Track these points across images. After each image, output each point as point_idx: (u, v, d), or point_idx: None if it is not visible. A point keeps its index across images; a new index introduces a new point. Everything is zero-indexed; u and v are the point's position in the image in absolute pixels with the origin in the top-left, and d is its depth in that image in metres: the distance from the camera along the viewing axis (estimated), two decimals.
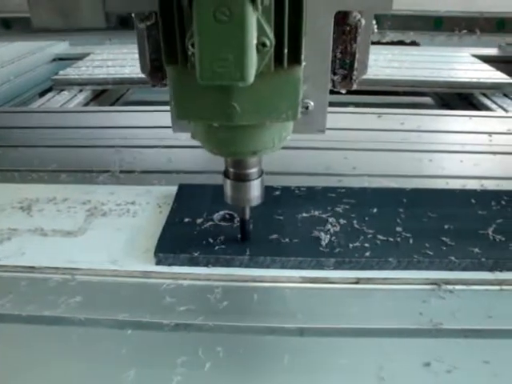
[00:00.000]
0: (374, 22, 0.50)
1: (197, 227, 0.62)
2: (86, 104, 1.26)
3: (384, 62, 1.50)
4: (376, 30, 0.51)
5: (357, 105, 1.14)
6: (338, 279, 0.57)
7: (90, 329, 0.51)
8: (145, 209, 0.69)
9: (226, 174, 0.54)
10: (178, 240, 0.59)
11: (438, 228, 0.62)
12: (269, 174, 0.74)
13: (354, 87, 0.52)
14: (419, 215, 0.64)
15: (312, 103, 0.48)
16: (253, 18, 0.35)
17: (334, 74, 0.51)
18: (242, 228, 0.59)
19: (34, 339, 0.50)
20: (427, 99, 1.63)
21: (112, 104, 1.35)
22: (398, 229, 0.61)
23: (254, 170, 0.53)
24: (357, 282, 0.57)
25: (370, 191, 0.70)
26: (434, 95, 1.58)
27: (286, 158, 0.85)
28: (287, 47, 0.38)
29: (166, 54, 0.39)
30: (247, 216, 0.58)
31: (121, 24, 0.73)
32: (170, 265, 0.58)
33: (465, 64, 1.54)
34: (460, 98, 1.38)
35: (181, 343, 0.49)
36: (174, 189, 0.71)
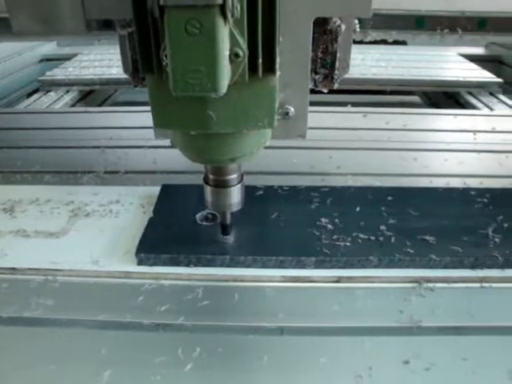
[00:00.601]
0: (356, 21, 0.50)
1: (179, 227, 0.62)
2: (73, 105, 1.26)
3: (371, 62, 1.50)
4: (358, 30, 0.51)
5: (343, 104, 1.14)
6: (319, 278, 0.57)
7: (70, 329, 0.51)
8: (128, 209, 0.69)
9: (205, 181, 0.54)
10: (160, 240, 0.59)
11: (420, 226, 0.62)
12: (252, 174, 0.75)
13: (336, 86, 0.52)
14: (402, 214, 0.65)
15: (292, 109, 0.49)
16: (224, 30, 0.35)
17: (316, 73, 0.51)
18: (224, 232, 0.60)
19: (14, 341, 0.50)
20: (415, 98, 1.64)
21: (99, 105, 1.35)
22: (381, 227, 0.62)
23: (233, 176, 0.53)
24: (338, 281, 0.57)
25: (353, 190, 0.71)
26: (422, 94, 1.59)
27: (270, 158, 0.86)
28: (261, 57, 0.39)
29: (142, 63, 0.39)
30: (228, 221, 0.58)
31: (104, 25, 0.73)
32: (151, 265, 0.58)
33: (452, 63, 1.55)
34: (447, 96, 1.39)
35: (160, 343, 0.49)
36: (157, 189, 0.71)
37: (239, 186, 0.54)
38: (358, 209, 0.66)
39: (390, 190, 0.71)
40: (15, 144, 0.91)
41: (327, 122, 1.02)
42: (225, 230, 0.60)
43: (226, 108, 0.41)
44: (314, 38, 0.47)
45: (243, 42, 0.37)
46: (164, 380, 0.45)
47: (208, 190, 0.54)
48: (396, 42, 2.00)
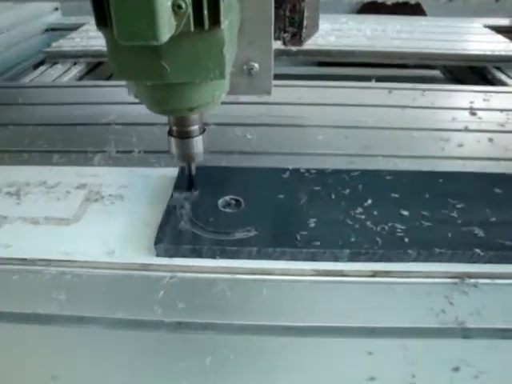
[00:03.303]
0: None
1: (199, 215, 0.57)
2: (81, 78, 1.20)
3: (393, 33, 1.43)
4: None
5: (364, 79, 1.08)
6: (353, 272, 0.53)
7: (86, 328, 0.47)
8: (143, 193, 0.65)
9: (170, 133, 0.56)
10: (179, 229, 0.55)
11: (462, 216, 0.57)
12: (277, 155, 0.71)
13: (303, 45, 0.53)
14: (442, 202, 0.59)
15: (257, 65, 0.50)
16: None
17: (285, 31, 0.52)
18: (189, 185, 0.61)
19: (28, 339, 0.46)
20: (435, 72, 1.57)
21: (108, 78, 1.29)
22: (420, 217, 0.57)
23: (195, 127, 0.55)
24: (373, 275, 0.53)
25: (386, 174, 0.65)
26: (444, 68, 1.51)
27: (295, 138, 0.81)
28: (207, 9, 0.39)
29: (96, 18, 0.40)
30: (193, 171, 0.60)
31: None
32: (171, 256, 0.53)
33: (478, 35, 1.47)
34: (472, 71, 1.32)
35: (183, 344, 0.45)
36: (174, 171, 0.66)
37: (201, 136, 0.56)
38: (393, 195, 0.61)
39: (426, 175, 0.65)
40: (21, 121, 0.86)
41: (352, 97, 0.96)
42: (191, 182, 0.61)
43: (177, 58, 0.43)
44: None
45: None
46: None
47: (172, 141, 0.56)
48: (415, 13, 1.91)
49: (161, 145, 0.77)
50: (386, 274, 0.52)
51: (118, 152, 0.76)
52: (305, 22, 0.50)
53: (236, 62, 0.53)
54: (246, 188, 0.62)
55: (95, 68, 1.26)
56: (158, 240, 0.53)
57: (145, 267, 0.53)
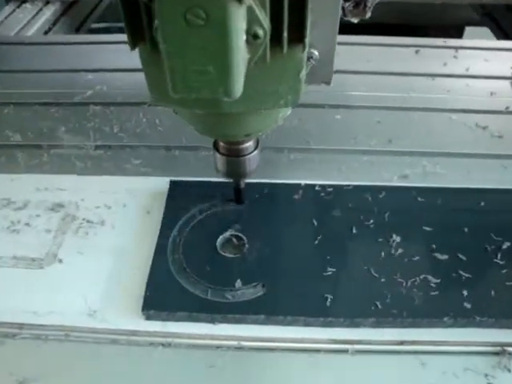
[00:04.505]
0: None
1: (194, 261, 0.48)
2: (56, 21, 1.03)
3: None
4: None
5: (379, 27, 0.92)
6: (376, 341, 0.45)
7: None
8: (129, 217, 0.55)
9: (216, 147, 0.47)
10: (172, 289, 0.46)
11: (510, 263, 0.48)
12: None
13: (368, 15, 0.43)
14: (485, 239, 0.50)
15: (316, 53, 0.40)
16: (239, 14, 0.27)
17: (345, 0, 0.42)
18: (237, 199, 0.53)
19: None
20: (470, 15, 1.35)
21: (86, 17, 1.11)
22: (457, 262, 0.48)
23: (249, 144, 0.46)
24: (401, 344, 0.45)
25: (417, 194, 0.55)
26: (481, 9, 1.30)
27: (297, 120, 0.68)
28: (287, 29, 0.31)
29: (130, 32, 0.31)
30: (242, 185, 0.52)
31: None
32: (163, 320, 0.45)
33: None
34: (508, 9, 1.14)
35: None
36: (166, 183, 0.56)
37: (256, 152, 0.46)
38: (425, 229, 0.51)
39: (463, 194, 0.55)
40: None
41: (371, 62, 0.81)
42: (239, 196, 0.53)
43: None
44: None
45: (265, 17, 0.29)
46: None
47: (219, 158, 0.47)
48: None
49: (147, 135, 0.66)
50: (414, 343, 0.45)
51: (96, 147, 0.64)
52: None
53: None
54: (251, 217, 0.52)
55: (70, 8, 1.08)
56: (146, 305, 0.45)
57: (132, 333, 0.45)
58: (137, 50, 0.34)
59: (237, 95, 0.30)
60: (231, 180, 0.51)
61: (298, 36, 0.32)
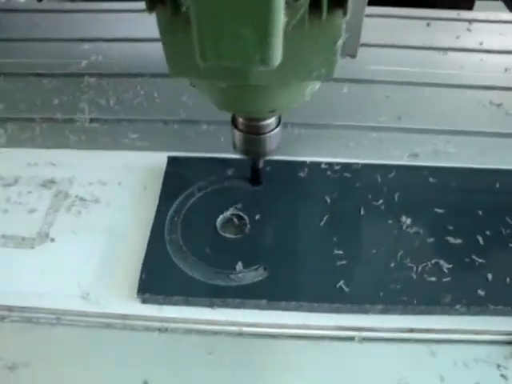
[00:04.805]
0: None
1: (193, 242, 0.45)
2: None
3: None
4: None
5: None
6: (384, 328, 0.43)
7: None
8: (125, 195, 0.52)
9: (234, 123, 0.43)
10: (168, 271, 0.43)
11: None
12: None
13: None
14: (500, 222, 0.47)
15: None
16: None
17: None
18: (254, 180, 0.50)
19: None
20: None
21: None
22: (471, 246, 0.45)
23: (271, 121, 0.42)
24: (411, 331, 0.43)
25: (429, 174, 0.52)
26: None
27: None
28: None
29: None
30: (260, 165, 0.48)
31: None
32: (160, 304, 0.43)
33: None
34: None
35: None
36: (161, 158, 0.53)
37: (277, 130, 0.43)
38: (438, 211, 0.48)
39: (477, 174, 0.52)
40: None
41: (379, 34, 0.77)
42: (256, 177, 0.49)
43: None
44: None
45: None
46: None
47: (237, 135, 0.43)
48: None
49: (144, 109, 0.62)
50: (425, 331, 0.42)
51: (91, 121, 0.61)
52: None
53: None
54: (253, 196, 0.49)
55: None
56: (142, 288, 0.42)
57: (126, 318, 0.43)
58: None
59: (275, 64, 0.27)
60: (247, 158, 0.48)
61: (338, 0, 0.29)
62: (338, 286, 0.42)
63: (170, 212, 0.47)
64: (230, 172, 0.51)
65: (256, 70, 0.29)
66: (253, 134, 0.43)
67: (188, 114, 0.61)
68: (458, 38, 0.78)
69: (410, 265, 0.44)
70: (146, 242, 0.45)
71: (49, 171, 0.54)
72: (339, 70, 0.33)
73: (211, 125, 0.60)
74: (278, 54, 0.27)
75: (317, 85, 0.38)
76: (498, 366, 0.41)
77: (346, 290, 0.42)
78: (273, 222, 0.47)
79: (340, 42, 0.32)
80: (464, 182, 0.51)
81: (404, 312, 0.42)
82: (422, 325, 0.42)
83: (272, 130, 0.43)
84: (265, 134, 0.42)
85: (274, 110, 0.39)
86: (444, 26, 0.81)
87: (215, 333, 0.42)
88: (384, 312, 0.42)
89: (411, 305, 0.41)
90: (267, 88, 0.35)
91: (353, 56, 0.44)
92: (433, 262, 0.44)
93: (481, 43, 0.77)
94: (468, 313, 0.42)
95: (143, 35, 0.72)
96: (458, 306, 0.42)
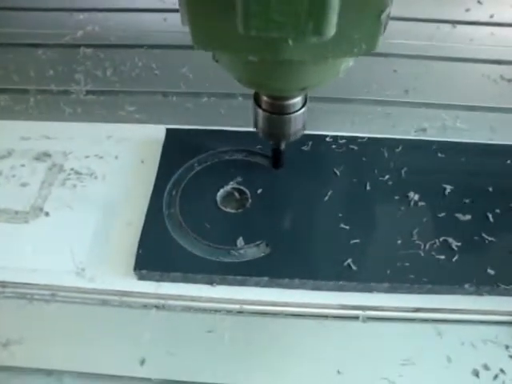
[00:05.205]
0: None
1: (192, 218, 0.44)
2: None
3: None
4: None
5: None
6: (389, 307, 0.41)
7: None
8: (122, 168, 0.50)
9: (257, 102, 0.40)
10: (166, 247, 0.42)
11: None
12: None
13: None
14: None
15: None
16: None
17: None
18: (275, 164, 0.47)
19: None
20: None
21: None
22: (481, 224, 0.44)
23: (297, 100, 0.39)
24: (416, 311, 0.41)
25: (437, 149, 0.50)
26: None
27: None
28: None
29: None
30: (283, 147, 0.45)
31: None
32: (157, 281, 0.41)
33: None
34: None
35: None
36: (160, 131, 0.51)
37: (303, 110, 0.40)
38: (446, 187, 0.46)
39: (487, 151, 0.51)
40: None
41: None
42: (278, 159, 0.46)
43: None
44: None
45: None
46: None
47: (260, 114, 0.40)
48: None
49: (142, 79, 0.60)
50: (432, 310, 0.41)
51: (87, 93, 0.59)
52: None
53: None
54: (254, 169, 0.48)
55: None
56: (139, 264, 0.41)
57: (124, 294, 0.41)
58: None
59: (329, 35, 0.26)
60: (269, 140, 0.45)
61: None
62: (341, 262, 0.41)
63: (169, 186, 0.46)
64: (230, 145, 0.49)
65: (307, 41, 0.27)
66: (276, 113, 0.40)
67: (188, 86, 0.59)
68: (467, 10, 0.75)
69: (417, 242, 0.42)
70: (144, 216, 0.44)
71: (43, 144, 0.52)
72: None
73: (211, 97, 0.57)
74: (333, 24, 0.25)
75: (351, 62, 0.35)
76: (507, 346, 0.39)
77: (351, 267, 0.40)
78: (275, 197, 0.45)
79: (386, 13, 0.29)
80: (474, 157, 0.49)
81: (411, 291, 0.41)
82: (429, 304, 0.41)
83: (298, 110, 0.40)
84: (290, 114, 0.40)
85: (305, 87, 0.36)
86: None
87: (215, 311, 0.40)
88: (390, 290, 0.41)
89: (418, 283, 0.40)
90: (301, 64, 0.32)
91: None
92: (441, 239, 0.43)
93: (491, 16, 0.74)
94: (477, 292, 0.41)
95: (141, 5, 0.70)
96: (466, 286, 0.40)
